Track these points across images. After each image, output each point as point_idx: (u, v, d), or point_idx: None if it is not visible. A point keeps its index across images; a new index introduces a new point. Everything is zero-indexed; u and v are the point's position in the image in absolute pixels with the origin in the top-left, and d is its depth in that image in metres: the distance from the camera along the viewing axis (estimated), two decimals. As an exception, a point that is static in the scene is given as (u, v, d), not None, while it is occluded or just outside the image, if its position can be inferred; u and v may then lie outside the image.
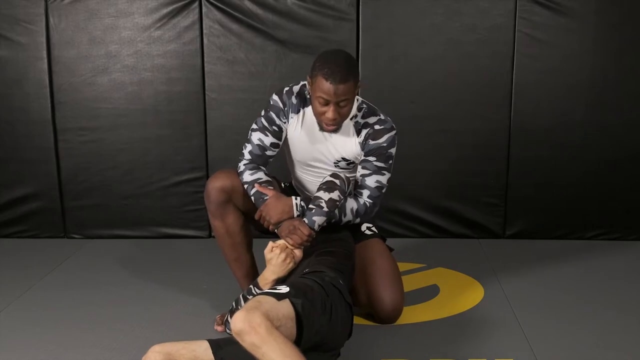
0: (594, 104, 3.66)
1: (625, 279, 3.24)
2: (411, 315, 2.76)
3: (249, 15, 3.65)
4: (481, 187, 3.79)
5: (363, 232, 2.80)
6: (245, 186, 2.57)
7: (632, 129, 3.68)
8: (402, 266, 2.81)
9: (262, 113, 2.63)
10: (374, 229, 2.84)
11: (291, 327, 1.97)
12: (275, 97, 2.61)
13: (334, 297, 2.17)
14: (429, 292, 3.05)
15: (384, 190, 2.60)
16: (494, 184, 3.78)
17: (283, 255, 2.37)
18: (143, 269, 3.39)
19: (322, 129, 2.54)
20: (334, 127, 2.48)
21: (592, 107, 3.66)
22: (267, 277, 2.38)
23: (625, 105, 3.65)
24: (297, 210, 2.48)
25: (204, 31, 3.68)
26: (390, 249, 2.82)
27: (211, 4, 3.65)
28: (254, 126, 2.64)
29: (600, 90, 3.64)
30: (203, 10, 3.66)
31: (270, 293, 2.04)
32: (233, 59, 3.69)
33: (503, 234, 3.86)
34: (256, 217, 2.51)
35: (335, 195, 2.43)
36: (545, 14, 3.58)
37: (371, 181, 2.56)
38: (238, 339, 1.86)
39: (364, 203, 2.57)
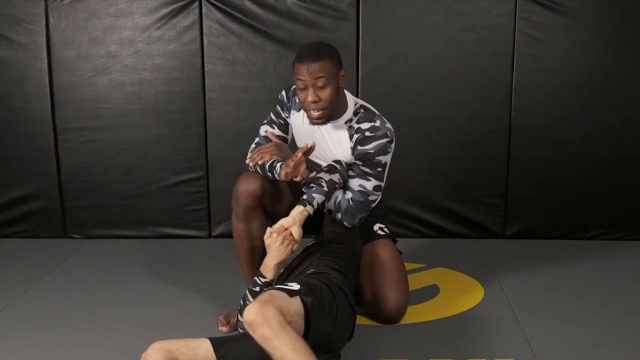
0: (594, 104, 3.66)
1: (625, 279, 3.24)
2: (411, 315, 2.75)
3: (249, 15, 3.65)
4: (481, 187, 3.79)
5: (375, 232, 2.80)
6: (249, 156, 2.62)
7: (632, 129, 3.67)
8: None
9: (272, 107, 2.72)
10: (386, 229, 2.84)
11: (300, 324, 1.97)
12: (283, 92, 2.70)
13: (339, 299, 2.17)
14: (429, 292, 3.05)
15: (370, 198, 2.58)
16: (494, 184, 3.78)
17: (281, 238, 2.35)
18: (143, 268, 3.39)
19: (311, 122, 2.53)
20: (318, 113, 2.45)
21: (592, 107, 3.66)
22: (268, 263, 2.37)
23: (625, 105, 3.65)
24: None
25: (204, 31, 3.68)
26: (399, 252, 2.82)
27: (211, 4, 3.65)
28: (264, 120, 2.73)
29: (600, 90, 3.64)
30: (203, 10, 3.66)
31: (282, 289, 2.04)
32: (233, 59, 3.69)
33: (503, 234, 3.86)
34: (253, 156, 2.54)
35: (335, 177, 2.49)
36: (545, 14, 3.58)
37: (354, 184, 2.57)
38: (249, 329, 1.86)
39: (348, 200, 2.57)
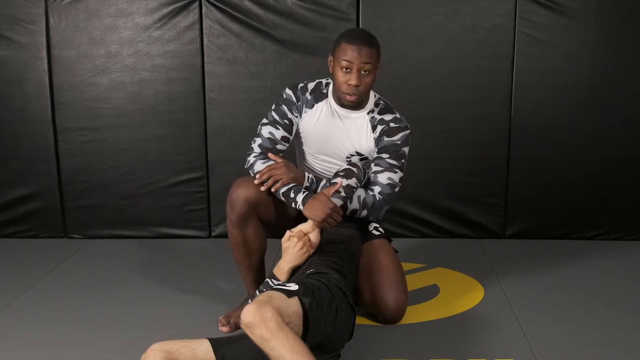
0: (594, 103, 3.66)
1: (625, 279, 3.24)
2: (411, 315, 2.76)
3: (249, 15, 3.66)
4: (481, 187, 3.79)
5: (370, 232, 2.80)
6: (257, 175, 2.53)
7: (632, 129, 3.68)
8: (402, 266, 2.81)
9: (273, 107, 2.65)
10: (380, 229, 2.84)
11: (298, 325, 1.98)
12: (288, 91, 2.64)
13: (339, 298, 2.17)
14: (429, 292, 3.05)
15: (396, 189, 2.60)
16: (494, 184, 3.78)
17: (300, 244, 2.35)
18: (143, 269, 3.39)
19: (342, 104, 2.54)
20: (356, 96, 2.47)
21: (592, 107, 3.66)
22: (282, 266, 2.37)
23: (625, 105, 3.65)
24: (307, 181, 2.53)
25: (204, 31, 3.68)
26: (395, 251, 2.82)
27: (211, 4, 3.65)
28: (264, 120, 2.64)
29: (600, 90, 3.64)
30: (203, 10, 3.66)
31: (281, 289, 2.04)
32: (233, 59, 3.70)
33: (503, 234, 3.86)
34: (263, 177, 2.49)
35: (352, 182, 2.48)
36: (545, 14, 3.58)
37: (383, 178, 2.57)
38: (247, 331, 1.86)
39: (374, 196, 2.57)
